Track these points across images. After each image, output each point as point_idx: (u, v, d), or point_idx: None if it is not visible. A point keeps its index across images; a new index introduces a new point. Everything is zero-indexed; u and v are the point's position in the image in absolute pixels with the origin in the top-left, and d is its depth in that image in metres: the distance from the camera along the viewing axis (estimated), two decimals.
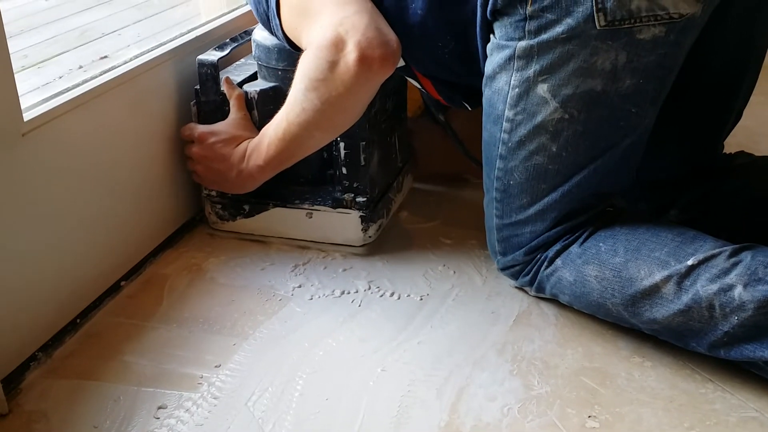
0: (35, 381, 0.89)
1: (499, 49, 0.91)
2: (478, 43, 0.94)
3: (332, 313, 1.00)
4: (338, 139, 1.08)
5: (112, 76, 1.00)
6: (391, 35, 0.94)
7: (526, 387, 0.87)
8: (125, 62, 1.05)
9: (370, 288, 1.05)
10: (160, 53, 1.09)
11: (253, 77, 1.14)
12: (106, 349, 0.93)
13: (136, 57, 1.07)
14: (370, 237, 1.13)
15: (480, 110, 1.27)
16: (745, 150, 1.12)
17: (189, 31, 1.18)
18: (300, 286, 1.06)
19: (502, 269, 1.02)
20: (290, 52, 1.05)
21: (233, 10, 1.30)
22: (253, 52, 1.13)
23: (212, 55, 1.10)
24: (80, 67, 2.22)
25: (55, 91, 0.94)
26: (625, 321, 0.92)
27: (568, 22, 0.85)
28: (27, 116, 0.86)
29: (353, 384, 0.88)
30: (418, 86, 1.11)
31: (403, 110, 1.24)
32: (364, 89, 0.95)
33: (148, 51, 1.09)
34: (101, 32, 2.52)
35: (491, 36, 0.92)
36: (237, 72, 1.15)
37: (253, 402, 0.85)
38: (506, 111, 0.92)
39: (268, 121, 1.04)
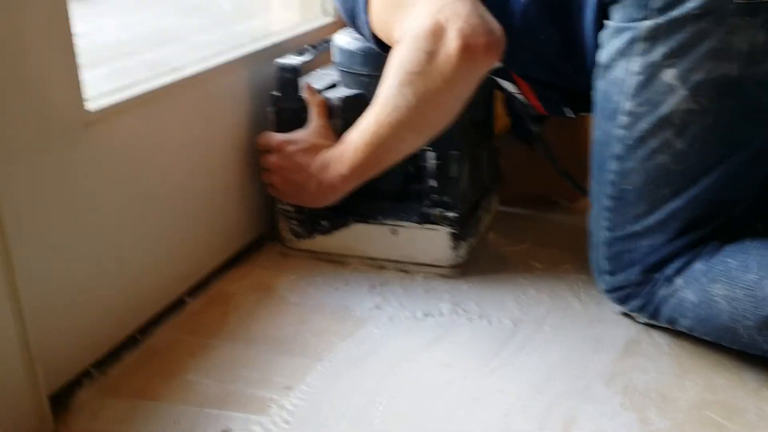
0: (87, 399, 0.80)
1: (617, 33, 0.81)
2: (588, 32, 0.85)
3: (414, 336, 0.90)
4: (427, 148, 0.99)
5: (182, 76, 0.94)
6: (496, 23, 0.85)
7: (642, 421, 0.75)
8: (196, 63, 0.98)
9: (455, 311, 0.95)
10: (234, 57, 1.03)
11: (332, 86, 1.07)
12: (167, 367, 0.85)
13: (208, 59, 1.00)
14: (460, 256, 1.03)
15: (573, 128, 1.18)
16: None
17: (263, 37, 1.12)
18: (377, 307, 0.96)
19: (609, 291, 0.90)
20: (375, 56, 0.97)
21: (307, 22, 1.24)
22: (335, 58, 1.06)
23: (293, 60, 1.03)
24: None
25: (120, 85, 0.87)
26: (757, 347, 0.79)
27: None
28: (90, 107, 0.80)
29: (441, 412, 0.77)
30: (514, 91, 1.01)
31: (491, 123, 1.15)
32: (464, 82, 0.86)
33: (221, 54, 1.03)
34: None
35: (606, 21, 0.83)
36: (316, 80, 1.08)
37: (329, 428, 0.75)
38: (625, 103, 0.82)
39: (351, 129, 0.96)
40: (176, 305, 0.96)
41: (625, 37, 0.81)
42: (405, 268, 1.04)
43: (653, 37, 0.79)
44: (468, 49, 0.82)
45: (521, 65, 0.95)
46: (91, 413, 0.78)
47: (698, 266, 0.82)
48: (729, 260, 0.81)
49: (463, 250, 1.04)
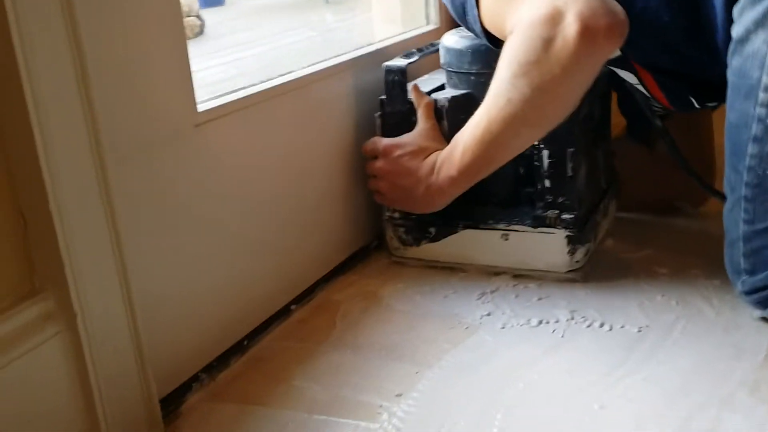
0: (196, 404, 0.78)
1: (753, 3, 0.75)
2: (718, 7, 0.79)
3: (530, 344, 0.84)
4: (541, 146, 0.94)
5: (288, 79, 0.92)
6: (617, 5, 0.79)
7: None
8: (302, 68, 0.97)
9: (573, 318, 0.89)
10: (339, 62, 1.01)
11: (440, 88, 1.04)
12: (275, 373, 0.82)
13: (311, 65, 0.99)
14: (577, 262, 0.97)
15: (698, 124, 1.10)
16: None
17: (366, 45, 1.10)
18: (489, 314, 0.91)
19: (748, 293, 0.82)
20: (484, 54, 0.94)
21: (409, 31, 1.22)
22: (442, 59, 1.03)
23: (400, 61, 1.01)
24: None
25: (229, 90, 0.87)
26: None
27: None
28: (201, 107, 0.79)
29: (564, 422, 0.71)
30: (635, 82, 0.95)
31: (608, 122, 1.09)
32: (584, 69, 0.81)
33: (327, 59, 1.01)
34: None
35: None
36: (423, 85, 1.04)
37: None
38: (765, 77, 0.74)
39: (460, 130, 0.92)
40: (282, 313, 0.93)
41: (763, 5, 0.74)
42: (518, 274, 0.99)
43: None
44: (588, 33, 0.77)
45: (644, 52, 0.89)
46: (200, 417, 0.76)
47: None
48: None
49: (581, 254, 0.97)
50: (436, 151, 0.95)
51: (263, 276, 0.91)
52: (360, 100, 1.05)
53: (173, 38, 0.76)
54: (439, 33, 1.21)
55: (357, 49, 1.08)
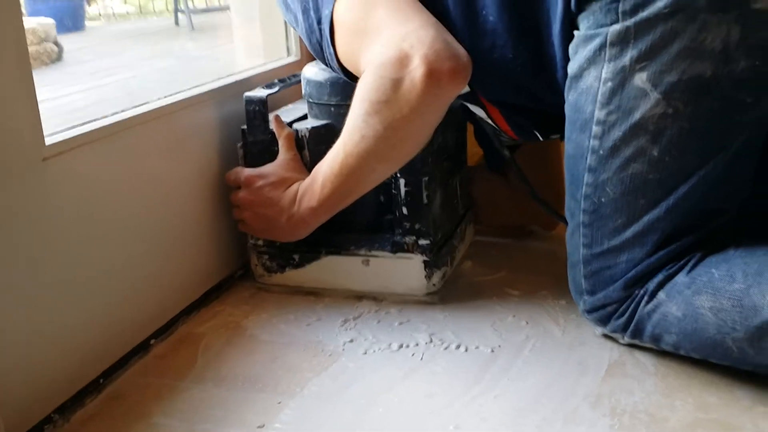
0: None
1: (585, 41, 0.80)
2: (556, 46, 0.84)
3: (391, 368, 0.87)
4: (398, 175, 0.97)
5: (145, 110, 0.91)
6: (461, 49, 0.84)
7: None
8: (160, 98, 0.96)
9: (431, 341, 0.92)
10: (201, 92, 1.01)
11: (302, 118, 1.05)
12: (132, 411, 0.80)
13: (173, 94, 0.98)
14: (434, 285, 1.01)
15: (546, 153, 1.17)
16: None
17: (229, 75, 1.11)
18: (352, 341, 0.92)
19: (590, 312, 0.88)
20: (343, 86, 0.97)
21: (271, 62, 1.23)
22: (304, 90, 1.05)
23: (260, 92, 1.01)
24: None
25: (82, 121, 0.85)
26: (747, 361, 0.77)
27: None
28: (49, 140, 0.77)
29: None
30: (484, 116, 1.00)
31: (463, 151, 1.14)
32: (431, 109, 0.84)
33: (187, 89, 1.01)
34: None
35: (575, 32, 0.82)
36: (285, 115, 1.06)
37: None
38: (596, 112, 0.80)
39: (319, 161, 0.94)
40: (142, 348, 0.91)
41: (594, 44, 0.80)
42: (379, 297, 1.01)
43: (622, 40, 0.78)
44: (433, 76, 0.81)
45: (491, 89, 0.94)
46: None
47: (681, 279, 0.80)
48: (713, 270, 0.79)
49: (437, 278, 1.01)
50: (297, 181, 0.97)
51: (120, 308, 0.88)
52: (223, 130, 1.05)
53: (17, 67, 0.73)
54: (300, 64, 1.23)
55: (219, 79, 1.08)
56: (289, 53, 1.26)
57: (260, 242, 1.04)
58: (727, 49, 0.75)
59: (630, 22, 0.77)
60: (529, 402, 0.79)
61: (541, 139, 1.00)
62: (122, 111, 0.90)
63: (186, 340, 0.94)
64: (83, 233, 0.82)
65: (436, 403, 0.80)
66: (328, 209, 0.94)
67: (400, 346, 0.91)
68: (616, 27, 0.77)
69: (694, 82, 0.76)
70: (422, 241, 0.99)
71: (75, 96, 2.94)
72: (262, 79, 1.12)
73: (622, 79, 0.78)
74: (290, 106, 1.12)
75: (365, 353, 0.90)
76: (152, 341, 0.93)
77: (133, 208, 0.90)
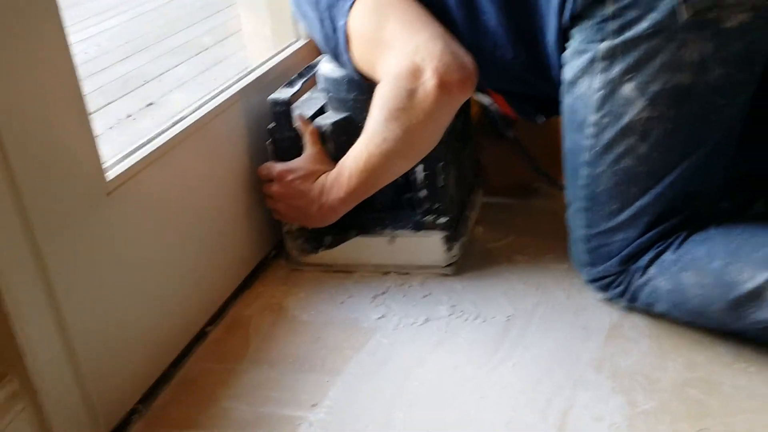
0: None
1: (578, 54, 0.90)
2: (551, 51, 0.94)
3: (419, 342, 0.99)
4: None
5: (185, 126, 1.01)
6: (467, 57, 0.94)
7: (631, 404, 0.85)
8: (194, 111, 1.05)
9: (453, 313, 1.04)
10: (226, 97, 1.09)
11: (321, 110, 1.15)
12: (203, 397, 0.94)
13: (203, 105, 1.07)
14: (454, 256, 1.13)
15: (546, 126, 1.27)
16: None
17: (249, 73, 1.19)
18: (383, 317, 1.05)
19: (591, 281, 1.00)
20: (359, 82, 1.05)
21: (283, 50, 1.30)
22: (321, 85, 1.14)
23: (284, 93, 1.11)
24: (129, 116, 2.27)
25: (132, 148, 0.94)
26: (727, 326, 0.89)
27: (653, 17, 0.85)
28: (109, 175, 0.87)
29: (454, 414, 0.87)
30: (488, 103, 1.10)
31: (469, 127, 1.24)
32: (444, 114, 0.95)
33: (215, 97, 1.10)
34: (143, 79, 2.59)
35: (568, 43, 0.92)
36: (305, 106, 1.14)
37: None
38: (590, 115, 0.91)
39: (343, 152, 1.04)
40: (200, 335, 1.04)
41: (586, 57, 0.89)
42: (405, 271, 1.14)
43: (611, 56, 0.87)
44: (444, 86, 0.91)
45: (494, 81, 1.04)
46: None
47: (669, 256, 0.92)
48: (696, 249, 0.91)
49: (456, 249, 1.13)
50: (324, 172, 1.07)
51: (181, 303, 1.00)
52: (252, 127, 1.15)
53: (75, 109, 0.82)
54: (309, 47, 1.31)
55: (239, 80, 1.16)
56: (297, 37, 1.33)
57: (294, 228, 1.15)
58: (704, 61, 0.85)
59: (617, 40, 0.86)
60: (543, 369, 0.92)
61: (545, 119, 1.10)
62: (163, 131, 0.99)
63: (236, 324, 1.07)
64: (145, 247, 0.93)
65: (462, 374, 0.93)
66: (354, 199, 1.05)
67: (426, 320, 1.04)
68: (605, 44, 0.87)
69: (675, 90, 0.86)
70: (441, 219, 1.11)
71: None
72: (279, 71, 1.21)
73: (612, 88, 0.88)
74: (306, 95, 1.20)
75: (395, 329, 1.02)
76: (208, 328, 1.06)
77: (183, 214, 1.01)
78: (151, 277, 0.95)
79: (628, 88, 0.88)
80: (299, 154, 1.10)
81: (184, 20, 3.32)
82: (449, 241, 1.12)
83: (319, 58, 1.21)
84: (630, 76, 0.87)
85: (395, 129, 0.95)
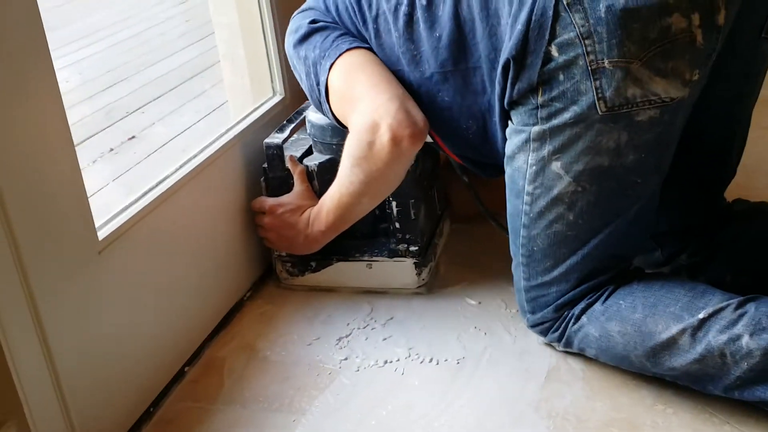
0: None
1: (516, 133, 1.02)
2: (497, 127, 1.07)
3: (378, 383, 1.10)
4: (390, 198, 1.24)
5: (183, 174, 1.14)
6: (419, 116, 1.09)
7: None
8: (191, 158, 1.18)
9: (410, 355, 1.15)
10: (224, 143, 1.24)
11: (309, 151, 1.32)
12: None
13: (203, 150, 1.21)
14: (423, 279, 1.30)
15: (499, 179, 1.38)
16: (741, 185, 1.23)
17: (227, 131, 1.30)
18: (346, 359, 1.16)
19: (532, 326, 1.12)
20: (341, 129, 1.20)
21: (262, 105, 1.41)
22: (308, 130, 1.31)
23: (276, 138, 1.28)
24: (111, 149, 2.36)
25: (123, 206, 1.04)
26: (647, 370, 1.01)
27: (574, 109, 0.96)
28: (101, 234, 0.97)
29: None
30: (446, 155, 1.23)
31: (437, 167, 1.39)
32: (398, 162, 1.11)
33: (213, 143, 1.24)
34: (125, 111, 2.68)
35: (509, 122, 1.04)
36: (294, 147, 1.32)
37: None
38: (526, 186, 1.03)
39: (327, 189, 1.21)
40: (178, 376, 1.14)
41: (522, 137, 1.02)
42: (382, 291, 1.30)
43: (541, 138, 1.00)
44: (396, 139, 1.07)
45: (452, 145, 1.17)
46: None
47: (598, 307, 1.04)
48: (621, 302, 1.03)
49: (426, 274, 1.31)
50: (309, 207, 1.25)
51: (162, 345, 1.10)
52: (247, 168, 1.31)
53: (69, 168, 0.92)
54: (285, 102, 1.42)
55: (228, 131, 1.29)
56: (274, 93, 1.44)
57: (284, 254, 1.32)
58: (619, 147, 0.97)
59: (546, 126, 0.98)
60: (487, 410, 1.03)
61: (497, 177, 1.21)
62: (149, 190, 1.09)
63: (211, 365, 1.17)
64: (133, 297, 1.03)
65: (415, 414, 1.04)
66: (333, 231, 1.23)
67: (385, 362, 1.14)
68: (537, 128, 0.99)
69: (596, 170, 0.99)
70: (412, 248, 1.27)
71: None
72: (263, 121, 1.35)
73: (543, 165, 1.00)
74: (296, 136, 1.36)
75: (358, 370, 1.13)
76: (186, 368, 1.15)
77: (177, 260, 1.13)
78: (138, 324, 1.05)
79: (555, 166, 1.00)
80: (288, 191, 1.27)
81: (164, 49, 3.42)
82: (419, 266, 1.28)
83: (304, 105, 1.38)
84: (557, 156, 0.99)
85: (359, 174, 1.12)
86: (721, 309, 0.96)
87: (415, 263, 1.27)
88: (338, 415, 1.04)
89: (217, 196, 1.23)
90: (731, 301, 0.97)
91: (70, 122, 0.93)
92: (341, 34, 1.16)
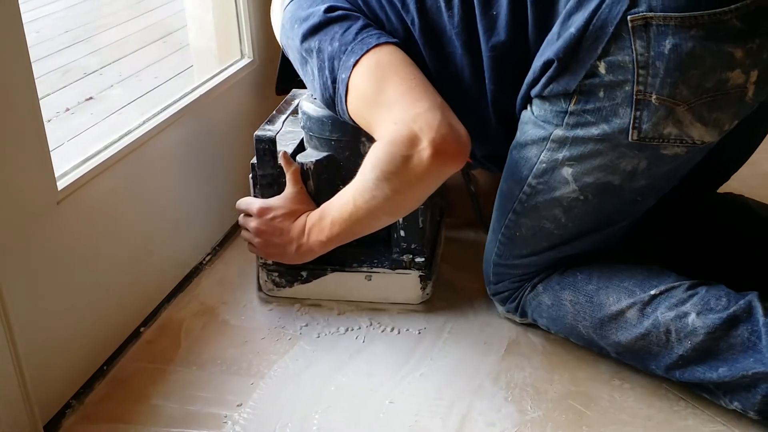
0: (71, 427, 0.96)
1: (535, 125, 0.99)
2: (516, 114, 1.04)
3: (339, 350, 1.09)
4: None
5: (145, 131, 1.10)
6: (462, 129, 0.97)
7: (520, 412, 0.97)
8: (155, 114, 1.15)
9: (371, 324, 1.14)
10: (173, 112, 1.18)
11: (300, 145, 1.18)
12: (134, 394, 1.01)
13: (167, 107, 1.17)
14: (427, 294, 1.18)
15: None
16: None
17: (194, 89, 1.26)
18: (307, 325, 1.14)
19: (493, 294, 1.13)
20: (342, 123, 1.09)
21: (228, 67, 1.37)
22: (302, 123, 1.16)
23: (268, 131, 1.13)
24: (67, 109, 2.30)
25: (81, 159, 1.01)
26: (594, 344, 1.02)
27: (604, 127, 0.93)
28: (61, 184, 0.94)
29: (365, 417, 0.97)
30: None
31: None
32: (434, 180, 1.00)
33: (177, 101, 1.19)
34: (83, 72, 2.60)
35: (528, 107, 1.01)
36: (283, 141, 1.17)
37: None
38: (530, 178, 1.01)
39: (323, 190, 1.10)
40: (134, 336, 1.11)
41: (540, 132, 0.99)
42: (380, 307, 1.18)
43: (562, 142, 0.97)
44: (439, 157, 0.95)
45: (480, 145, 1.10)
46: None
47: (555, 277, 1.06)
48: (577, 273, 1.04)
49: (430, 288, 1.18)
50: (304, 212, 1.11)
51: (117, 305, 1.08)
52: (191, 143, 1.23)
53: (29, 117, 0.89)
54: (253, 65, 1.39)
55: (185, 95, 1.24)
56: (242, 55, 1.41)
57: (269, 261, 1.17)
58: (635, 172, 0.96)
59: (570, 133, 0.96)
60: (446, 379, 1.03)
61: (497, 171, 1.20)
62: (113, 142, 1.06)
63: (168, 326, 1.15)
64: (90, 253, 1.00)
65: (375, 381, 1.03)
66: (335, 243, 1.09)
67: (347, 330, 1.13)
68: (559, 132, 0.96)
69: (604, 186, 0.97)
70: (418, 258, 1.15)
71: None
72: (230, 83, 1.29)
73: (554, 166, 0.99)
74: (286, 128, 1.19)
75: (318, 337, 1.12)
76: (141, 329, 1.13)
77: (134, 216, 1.09)
78: (92, 279, 1.02)
79: (566, 172, 0.98)
80: (280, 191, 1.13)
81: (127, 12, 3.34)
82: (424, 280, 1.17)
83: (292, 94, 1.26)
84: (571, 163, 0.97)
85: (385, 189, 0.98)
86: (673, 288, 0.98)
87: (420, 276, 1.16)
88: (297, 380, 1.03)
89: (178, 156, 1.20)
90: (684, 282, 0.98)
91: None
92: (364, 26, 1.04)
